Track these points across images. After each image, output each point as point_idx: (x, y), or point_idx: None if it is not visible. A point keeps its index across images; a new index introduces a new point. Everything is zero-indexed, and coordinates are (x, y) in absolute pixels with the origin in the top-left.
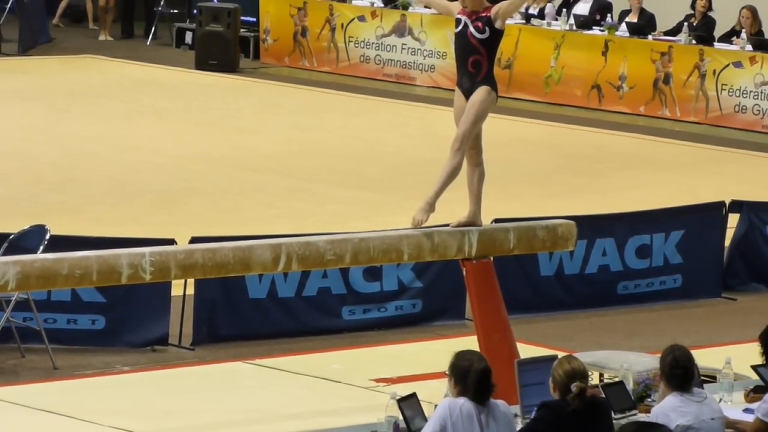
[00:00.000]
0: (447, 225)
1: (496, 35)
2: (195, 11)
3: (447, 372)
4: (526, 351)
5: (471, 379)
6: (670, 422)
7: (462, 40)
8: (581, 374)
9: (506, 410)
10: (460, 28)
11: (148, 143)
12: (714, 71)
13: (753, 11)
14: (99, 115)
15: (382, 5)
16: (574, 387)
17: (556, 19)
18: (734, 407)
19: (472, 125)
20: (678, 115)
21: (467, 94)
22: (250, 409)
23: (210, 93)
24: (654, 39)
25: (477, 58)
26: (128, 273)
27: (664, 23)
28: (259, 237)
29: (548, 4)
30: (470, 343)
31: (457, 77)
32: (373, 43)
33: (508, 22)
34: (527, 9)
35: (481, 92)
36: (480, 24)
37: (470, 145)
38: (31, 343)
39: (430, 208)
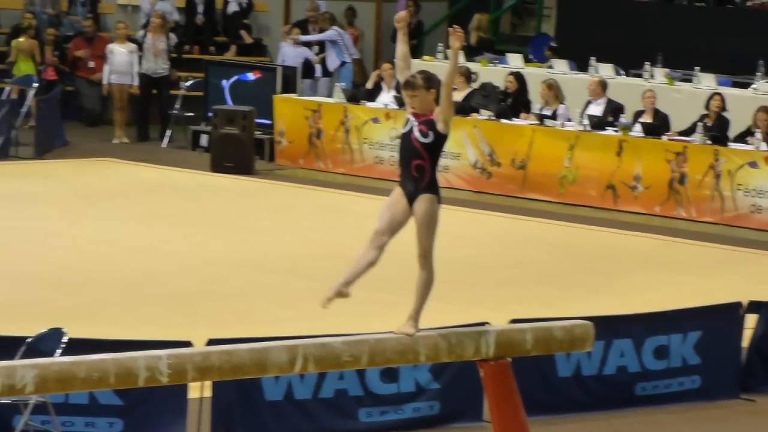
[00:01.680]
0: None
1: (440, 139)
2: (210, 114)
3: None
4: None
5: None
6: None
7: (406, 142)
8: None
9: None
10: (407, 129)
11: (164, 246)
12: (729, 171)
13: None
14: (115, 218)
15: (396, 107)
16: None
17: (570, 120)
18: None
19: (429, 237)
20: (693, 215)
21: (409, 198)
22: None
23: (226, 195)
24: (668, 139)
25: (420, 163)
26: (145, 376)
27: (678, 123)
28: (275, 339)
29: (561, 106)
30: None
31: (401, 178)
32: (387, 144)
33: (520, 122)
34: (541, 110)
35: (426, 203)
36: (424, 128)
37: (385, 237)
38: None
39: (416, 324)
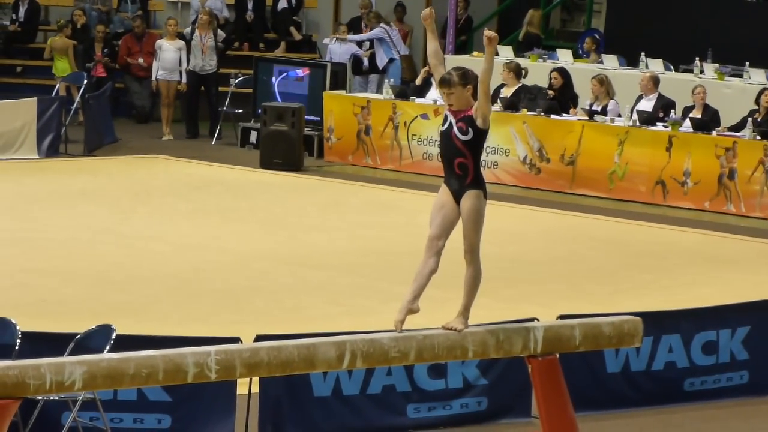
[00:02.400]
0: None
1: (480, 135)
2: (259, 111)
3: None
4: None
5: None
6: None
7: (446, 140)
8: None
9: None
10: (445, 126)
11: (213, 242)
12: None
13: None
14: (164, 215)
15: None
16: None
17: (620, 116)
18: None
19: (476, 234)
20: (743, 211)
21: (455, 195)
22: None
23: (274, 191)
24: (718, 134)
25: (462, 161)
26: (194, 372)
27: (728, 119)
28: (323, 334)
29: (611, 101)
30: None
31: (445, 175)
32: (435, 140)
33: (569, 118)
34: (591, 105)
35: (472, 199)
36: (463, 125)
37: (441, 242)
38: None
39: (465, 320)
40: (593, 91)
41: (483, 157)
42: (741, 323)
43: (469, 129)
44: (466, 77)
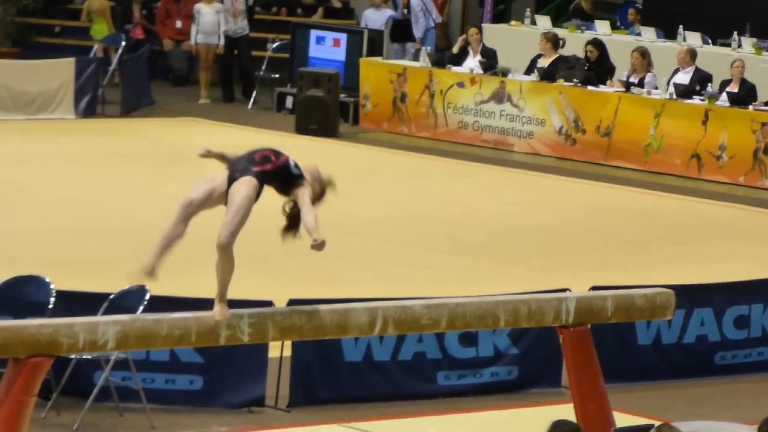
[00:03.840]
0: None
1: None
2: (296, 76)
3: None
4: (623, 420)
5: None
6: None
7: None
8: None
9: None
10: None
11: None
12: None
13: None
14: (199, 178)
15: (482, 72)
16: None
17: (656, 88)
18: None
19: (239, 223)
20: None
21: (231, 176)
22: None
23: (309, 157)
24: (754, 109)
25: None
26: (226, 334)
27: (765, 93)
28: (355, 300)
29: (648, 74)
30: (566, 411)
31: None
32: (471, 109)
33: (606, 89)
34: (627, 77)
35: (245, 186)
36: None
37: (195, 211)
38: (130, 402)
39: (225, 306)
40: (633, 64)
41: (519, 126)
42: None
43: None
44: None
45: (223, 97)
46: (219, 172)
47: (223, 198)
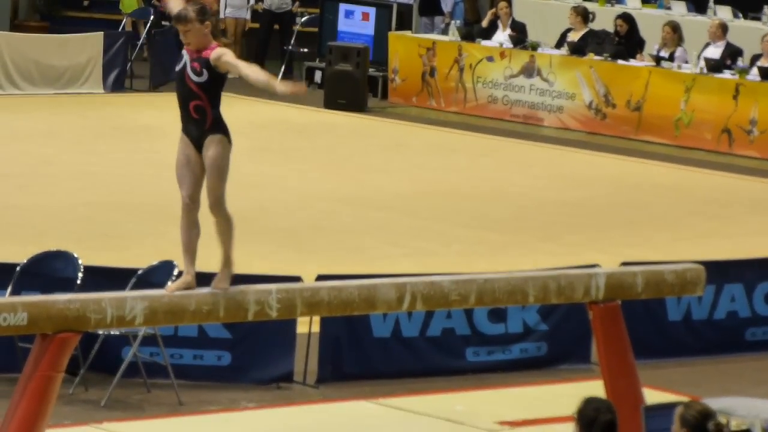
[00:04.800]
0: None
1: (217, 79)
2: (324, 50)
3: (573, 416)
4: (653, 397)
5: (596, 430)
6: None
7: (180, 81)
8: (714, 415)
9: None
10: (179, 66)
11: (276, 181)
12: None
13: None
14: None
15: (511, 46)
16: (711, 425)
17: (687, 62)
18: None
19: (221, 183)
20: None
21: (196, 143)
22: None
23: (338, 132)
24: None
25: (198, 104)
26: (255, 310)
27: None
28: (383, 276)
29: (678, 48)
30: (596, 387)
31: (182, 122)
32: (501, 83)
33: (636, 63)
34: (658, 51)
35: (214, 145)
36: (197, 65)
37: (197, 204)
38: (157, 378)
39: (230, 273)
40: (664, 38)
41: (549, 101)
42: None
43: (204, 71)
44: (204, 13)
45: None
46: (184, 147)
47: (203, 168)
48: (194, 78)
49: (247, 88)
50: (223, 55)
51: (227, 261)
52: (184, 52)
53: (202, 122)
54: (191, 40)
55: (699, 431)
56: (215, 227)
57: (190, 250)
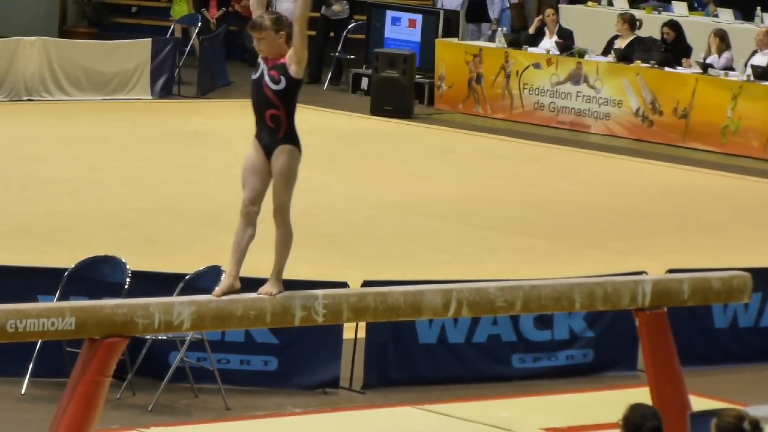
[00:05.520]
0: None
1: (293, 85)
2: (371, 57)
3: (619, 423)
4: (699, 404)
5: None
6: None
7: (257, 89)
8: (748, 415)
9: None
10: (257, 75)
11: (322, 187)
12: None
13: None
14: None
15: (558, 53)
16: (747, 425)
17: (734, 70)
18: None
19: (287, 192)
20: None
21: (267, 150)
22: None
23: (384, 138)
24: None
25: (274, 113)
26: (301, 315)
27: None
28: (429, 282)
29: (725, 54)
30: (642, 394)
31: (256, 129)
32: (547, 90)
33: (683, 71)
34: (704, 59)
35: (284, 155)
36: (275, 73)
37: (257, 207)
38: (204, 383)
39: (279, 283)
40: (711, 45)
41: (595, 108)
42: None
43: (282, 78)
44: (279, 22)
45: (309, 79)
46: (254, 151)
47: (269, 175)
48: (272, 86)
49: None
50: (291, 51)
51: (278, 273)
52: (260, 61)
53: (276, 131)
54: (264, 48)
55: None
56: (275, 237)
57: (239, 251)
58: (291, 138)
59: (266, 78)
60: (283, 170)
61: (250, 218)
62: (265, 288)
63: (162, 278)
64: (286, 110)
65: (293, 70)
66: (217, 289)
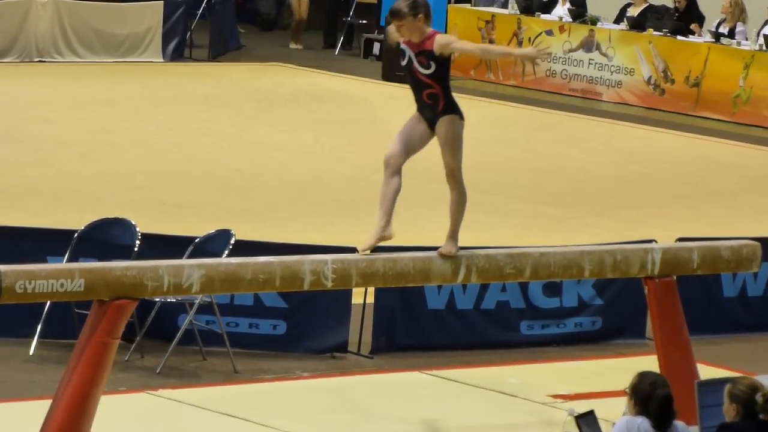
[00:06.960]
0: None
1: (444, 64)
2: (383, 22)
3: (627, 391)
4: (707, 372)
5: (653, 405)
6: None
7: (410, 75)
8: (762, 387)
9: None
10: (405, 61)
11: (333, 152)
12: None
13: None
14: (286, 123)
15: (571, 20)
16: (759, 397)
17: (746, 39)
18: None
19: (454, 157)
20: None
21: (430, 124)
22: (426, 419)
23: (395, 104)
24: None
25: (431, 92)
26: (310, 279)
27: None
28: (439, 248)
29: (738, 24)
30: (650, 362)
31: (417, 105)
32: (560, 57)
33: (695, 39)
34: (717, 27)
35: (446, 124)
36: (423, 60)
37: (397, 160)
38: (213, 346)
39: (455, 243)
40: (724, 12)
41: (607, 75)
42: None
43: (431, 63)
44: (416, 6)
45: (324, 44)
46: (416, 118)
47: (426, 140)
48: (423, 71)
49: (304, 60)
50: (451, 43)
51: (454, 233)
52: (404, 46)
53: (435, 106)
54: (406, 33)
55: (749, 404)
56: (450, 199)
57: (385, 204)
58: (451, 108)
59: (416, 64)
60: (448, 138)
61: (390, 168)
62: (444, 248)
63: (172, 241)
64: (441, 87)
65: (439, 51)
66: (365, 244)
